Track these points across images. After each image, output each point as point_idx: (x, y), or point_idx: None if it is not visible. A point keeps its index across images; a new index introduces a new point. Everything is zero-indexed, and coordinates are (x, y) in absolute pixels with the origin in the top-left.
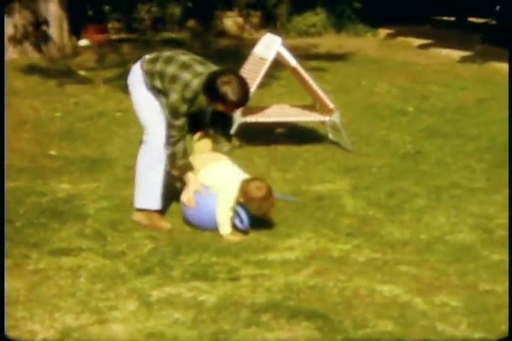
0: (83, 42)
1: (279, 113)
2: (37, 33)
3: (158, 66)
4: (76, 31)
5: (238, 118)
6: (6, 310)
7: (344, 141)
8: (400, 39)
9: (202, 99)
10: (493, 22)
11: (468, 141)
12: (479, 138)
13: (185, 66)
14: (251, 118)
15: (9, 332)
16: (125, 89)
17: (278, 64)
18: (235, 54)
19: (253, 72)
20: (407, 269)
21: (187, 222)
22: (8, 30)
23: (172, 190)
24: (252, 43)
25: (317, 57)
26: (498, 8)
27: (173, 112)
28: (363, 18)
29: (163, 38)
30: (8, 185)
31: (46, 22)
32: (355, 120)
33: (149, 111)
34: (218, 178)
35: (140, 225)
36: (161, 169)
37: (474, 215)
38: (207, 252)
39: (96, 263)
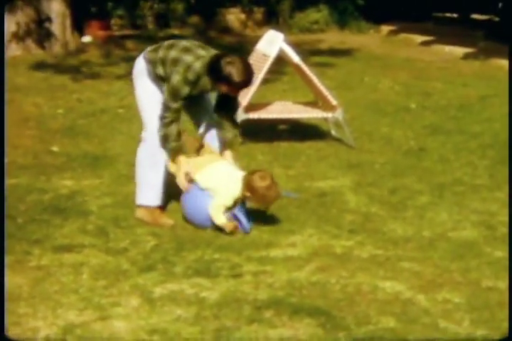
0: (86, 38)
1: (281, 109)
2: (40, 29)
3: (161, 53)
4: (79, 28)
5: (241, 114)
6: (7, 307)
7: (347, 137)
8: (403, 36)
9: (204, 83)
10: (496, 19)
11: (471, 137)
12: (482, 134)
13: (186, 50)
14: (253, 115)
15: (12, 329)
16: (128, 86)
17: (281, 60)
18: (238, 50)
19: (256, 68)
20: (409, 266)
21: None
22: (11, 28)
23: (174, 187)
24: (255, 40)
25: (320, 53)
26: (500, 5)
27: (173, 94)
28: (366, 14)
29: (166, 35)
30: (11, 181)
31: (49, 19)
32: (358, 116)
33: (150, 107)
34: (215, 180)
35: (142, 222)
36: (160, 166)
37: (477, 212)
38: (209, 249)
39: (98, 260)
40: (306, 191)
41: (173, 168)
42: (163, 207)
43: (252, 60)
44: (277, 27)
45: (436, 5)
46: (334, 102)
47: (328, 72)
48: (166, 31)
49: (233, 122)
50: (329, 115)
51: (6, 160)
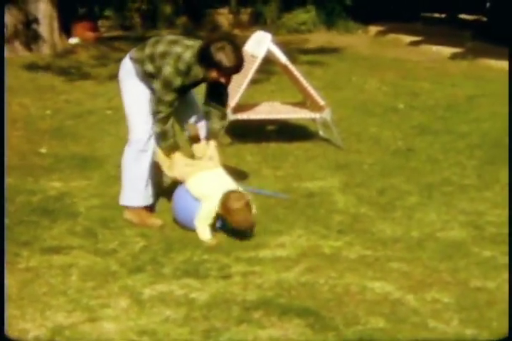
0: (73, 40)
1: (269, 110)
2: (27, 31)
3: (147, 50)
4: (67, 29)
5: (229, 115)
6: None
7: (335, 138)
8: (391, 36)
9: (196, 72)
10: (484, 19)
11: (459, 137)
12: (470, 134)
13: (174, 42)
14: (242, 116)
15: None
16: (116, 87)
17: (269, 61)
18: None
19: (244, 69)
20: (398, 266)
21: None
22: None
23: (162, 187)
24: (243, 41)
25: (307, 53)
26: (488, 4)
27: (165, 86)
28: (354, 15)
29: (154, 35)
30: None
31: (36, 20)
32: (346, 117)
33: (137, 110)
34: (205, 188)
35: (131, 223)
36: (144, 166)
37: (465, 212)
38: (198, 249)
39: (87, 261)
40: (295, 192)
41: (163, 160)
42: (151, 208)
43: None
44: (265, 28)
45: (425, 5)
46: (322, 102)
47: (316, 72)
48: (154, 32)
49: (221, 114)
50: (317, 115)
51: (6, 161)
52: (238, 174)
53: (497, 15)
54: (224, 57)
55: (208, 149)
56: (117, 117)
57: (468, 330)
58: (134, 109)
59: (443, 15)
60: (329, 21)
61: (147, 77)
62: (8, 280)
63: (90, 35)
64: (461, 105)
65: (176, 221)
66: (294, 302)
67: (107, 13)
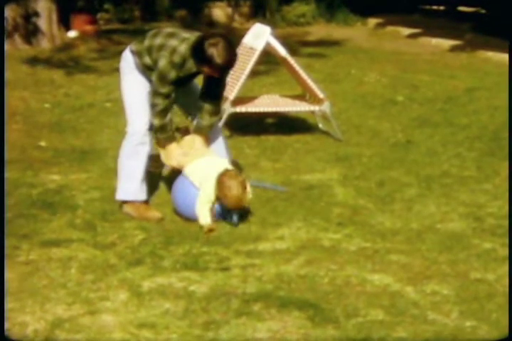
0: (72, 33)
1: (269, 103)
2: (26, 25)
3: (146, 42)
4: (65, 23)
5: (228, 108)
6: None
7: (334, 130)
8: (390, 28)
9: (190, 65)
10: (483, 11)
11: (459, 129)
12: (469, 127)
13: (171, 35)
14: (241, 109)
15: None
16: (115, 80)
17: (268, 54)
18: None
19: (243, 62)
20: (397, 258)
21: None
22: None
23: (161, 180)
24: (242, 33)
25: (307, 46)
26: None
27: (161, 78)
28: (353, 7)
29: (152, 28)
30: None
31: (36, 14)
32: (345, 109)
33: (135, 102)
34: (202, 173)
35: (130, 216)
36: (141, 160)
37: (465, 204)
38: (197, 242)
39: (86, 254)
40: (294, 184)
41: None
42: (147, 201)
43: (239, 53)
44: (264, 20)
45: None
46: (321, 95)
47: (315, 65)
48: (153, 25)
49: (214, 110)
50: (316, 108)
51: (5, 155)
52: (237, 167)
53: (496, 7)
54: (215, 54)
55: (194, 143)
56: (116, 110)
57: (468, 322)
58: (132, 101)
59: (442, 8)
60: (329, 14)
61: (146, 70)
62: (8, 273)
63: (89, 28)
64: (461, 97)
65: (176, 212)
66: (294, 295)
67: (106, 6)
